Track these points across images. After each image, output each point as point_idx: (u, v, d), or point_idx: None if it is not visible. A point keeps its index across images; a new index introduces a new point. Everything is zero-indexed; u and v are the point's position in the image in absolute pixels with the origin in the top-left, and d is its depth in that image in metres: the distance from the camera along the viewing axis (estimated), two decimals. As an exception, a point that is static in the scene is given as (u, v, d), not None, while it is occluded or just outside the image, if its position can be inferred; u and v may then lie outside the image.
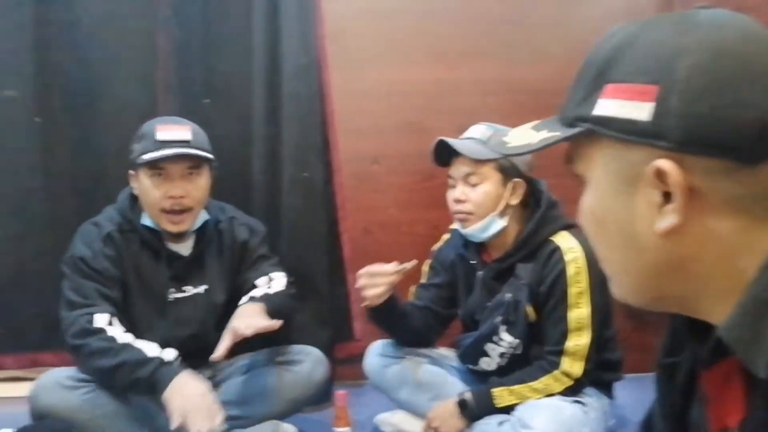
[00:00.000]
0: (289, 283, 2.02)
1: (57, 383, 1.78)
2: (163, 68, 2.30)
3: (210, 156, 1.89)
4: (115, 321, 1.79)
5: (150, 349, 1.75)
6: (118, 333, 1.77)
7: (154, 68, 2.31)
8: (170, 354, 1.75)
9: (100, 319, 1.77)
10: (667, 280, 0.64)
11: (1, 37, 2.27)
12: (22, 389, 2.27)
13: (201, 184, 1.88)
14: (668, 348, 0.77)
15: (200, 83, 2.35)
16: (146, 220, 1.90)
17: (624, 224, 0.64)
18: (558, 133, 0.67)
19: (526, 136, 0.71)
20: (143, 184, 1.85)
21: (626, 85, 0.62)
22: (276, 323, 1.76)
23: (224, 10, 2.34)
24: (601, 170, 0.65)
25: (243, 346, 2.01)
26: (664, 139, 0.59)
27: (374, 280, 1.81)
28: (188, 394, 1.67)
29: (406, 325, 1.98)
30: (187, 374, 1.72)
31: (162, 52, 2.30)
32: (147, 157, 1.80)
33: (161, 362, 1.72)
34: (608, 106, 0.63)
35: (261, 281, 1.98)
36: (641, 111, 0.60)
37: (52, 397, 1.75)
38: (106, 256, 1.85)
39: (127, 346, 1.74)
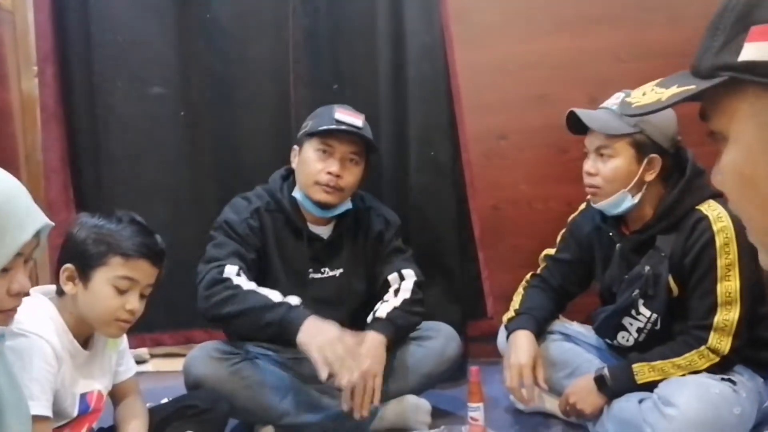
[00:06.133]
0: (417, 285, 2.02)
1: (207, 355, 1.89)
2: (293, 58, 2.36)
3: (376, 147, 2.00)
4: (243, 273, 1.86)
5: (274, 295, 1.82)
6: (243, 281, 1.84)
7: (285, 58, 2.36)
8: (295, 300, 1.81)
9: (229, 270, 1.86)
10: None
11: (149, 40, 2.41)
12: (178, 364, 2.45)
13: (356, 171, 1.98)
14: None
15: (329, 70, 2.39)
16: (297, 194, 1.99)
17: None
18: (692, 86, 0.61)
19: (652, 94, 0.66)
20: (307, 156, 1.96)
21: None
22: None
23: (349, -4, 2.37)
24: (748, 123, 0.59)
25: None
26: None
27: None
28: (325, 340, 1.69)
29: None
30: (316, 318, 1.75)
31: (292, 42, 2.35)
32: (323, 127, 1.92)
33: (289, 306, 1.78)
34: (756, 49, 0.56)
35: (392, 278, 2.02)
36: None
37: (202, 368, 1.87)
38: (250, 225, 1.96)
39: (251, 292, 1.81)
